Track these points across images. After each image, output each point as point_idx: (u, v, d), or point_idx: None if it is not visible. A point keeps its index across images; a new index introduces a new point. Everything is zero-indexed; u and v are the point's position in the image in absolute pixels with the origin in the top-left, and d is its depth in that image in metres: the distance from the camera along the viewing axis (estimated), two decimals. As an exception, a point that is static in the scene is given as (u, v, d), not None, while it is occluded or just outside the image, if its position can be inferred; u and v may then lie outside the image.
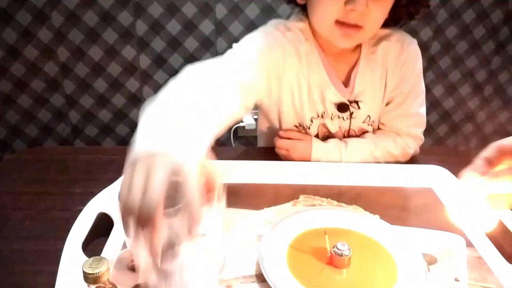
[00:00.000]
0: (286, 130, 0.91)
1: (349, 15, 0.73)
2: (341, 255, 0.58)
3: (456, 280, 0.60)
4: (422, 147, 0.91)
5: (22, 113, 1.66)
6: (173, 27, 1.56)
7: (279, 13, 1.55)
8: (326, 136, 0.92)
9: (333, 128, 0.91)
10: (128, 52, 1.59)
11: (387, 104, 0.90)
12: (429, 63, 1.74)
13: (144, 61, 1.61)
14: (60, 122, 1.70)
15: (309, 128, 0.91)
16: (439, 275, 0.60)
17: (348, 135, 0.92)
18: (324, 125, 0.91)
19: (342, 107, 0.87)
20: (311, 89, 0.86)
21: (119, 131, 1.73)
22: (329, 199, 0.77)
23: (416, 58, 0.87)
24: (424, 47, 1.68)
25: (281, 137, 0.90)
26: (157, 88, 1.65)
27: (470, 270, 0.62)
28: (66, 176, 0.84)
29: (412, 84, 0.87)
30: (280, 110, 0.90)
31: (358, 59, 0.86)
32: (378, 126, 0.93)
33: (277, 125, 0.93)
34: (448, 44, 1.70)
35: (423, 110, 0.90)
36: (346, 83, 0.87)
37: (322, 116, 0.89)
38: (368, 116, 0.90)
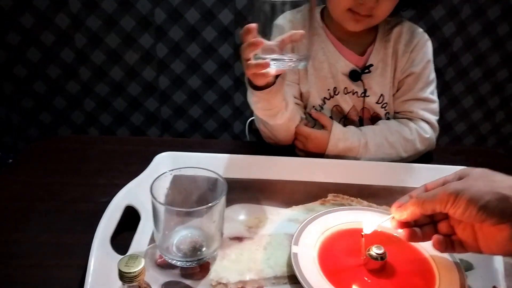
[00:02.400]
0: (316, 111, 0.92)
1: (360, 7, 0.80)
2: (377, 258, 0.57)
3: (495, 287, 0.58)
4: (454, 148, 0.88)
5: (37, 100, 1.65)
6: (192, 16, 1.53)
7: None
8: (342, 122, 0.93)
9: (346, 107, 0.93)
10: (146, 40, 1.56)
11: (398, 90, 0.92)
12: (451, 60, 1.70)
13: (161, 50, 1.59)
14: (74, 109, 1.68)
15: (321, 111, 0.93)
16: (476, 282, 0.59)
17: (362, 115, 0.94)
18: (337, 107, 0.93)
19: (354, 75, 0.90)
20: (320, 65, 0.91)
21: (134, 120, 1.72)
22: (358, 198, 0.75)
23: (426, 44, 0.92)
24: (446, 43, 1.66)
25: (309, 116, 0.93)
26: (173, 77, 1.64)
27: (508, 277, 0.60)
28: (88, 167, 0.82)
29: (422, 68, 0.90)
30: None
31: (375, 38, 0.92)
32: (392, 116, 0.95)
33: None
34: (471, 41, 1.67)
35: (435, 97, 0.92)
36: (362, 55, 0.92)
37: (335, 94, 0.92)
38: (382, 95, 0.92)
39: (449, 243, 0.55)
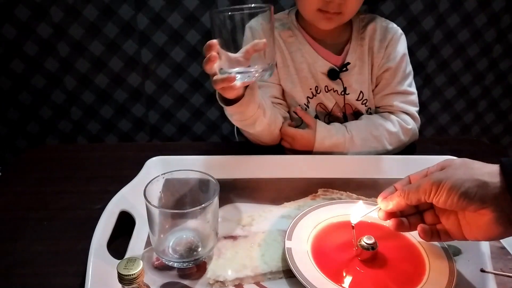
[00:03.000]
0: (301, 110, 0.94)
1: (328, 5, 0.83)
2: (368, 248, 0.58)
3: (482, 270, 0.60)
4: (438, 138, 0.91)
5: (23, 110, 1.64)
6: (175, 20, 1.54)
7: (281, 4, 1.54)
8: (327, 119, 0.96)
9: (329, 104, 0.95)
10: (130, 46, 1.56)
11: (377, 86, 0.95)
12: (431, 53, 1.73)
13: (146, 55, 1.59)
14: (61, 119, 1.67)
15: (307, 110, 0.95)
16: (465, 266, 0.61)
17: (345, 111, 0.96)
18: (321, 104, 0.95)
19: (332, 74, 0.92)
20: (300, 66, 0.93)
21: (122, 127, 1.71)
22: (348, 192, 0.76)
23: (400, 39, 0.95)
24: (426, 36, 1.69)
25: (295, 113, 0.94)
26: (159, 82, 1.64)
27: (495, 260, 0.62)
28: (80, 174, 0.83)
29: (398, 62, 0.93)
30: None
31: (350, 37, 0.94)
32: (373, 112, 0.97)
33: None
34: (451, 33, 1.70)
35: (413, 89, 0.95)
36: (339, 54, 0.94)
37: (317, 92, 0.94)
38: (361, 92, 0.94)
39: (435, 232, 0.57)
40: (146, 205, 0.56)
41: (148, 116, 1.71)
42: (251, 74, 0.66)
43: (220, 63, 0.65)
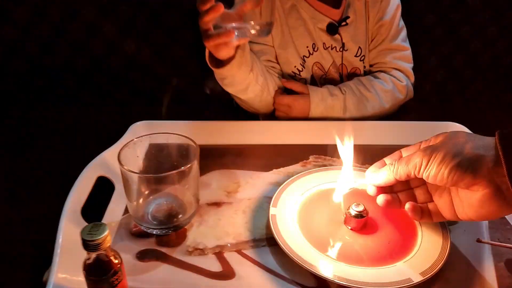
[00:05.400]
0: (287, 80, 0.89)
1: None
2: (357, 216, 0.55)
3: (479, 240, 0.57)
4: (439, 105, 0.86)
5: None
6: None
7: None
8: (323, 80, 0.93)
9: (326, 64, 0.91)
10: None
11: (372, 41, 0.92)
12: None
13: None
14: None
15: (302, 71, 0.91)
16: (460, 236, 0.57)
17: (342, 71, 0.92)
18: (317, 64, 0.91)
19: (331, 29, 0.88)
20: (295, 23, 0.88)
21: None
22: (340, 159, 0.73)
23: None
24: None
25: (284, 86, 0.89)
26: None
27: (493, 230, 0.59)
28: (58, 140, 0.80)
29: (392, 16, 0.90)
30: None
31: None
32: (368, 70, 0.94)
33: None
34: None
35: (407, 44, 0.93)
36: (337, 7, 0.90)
37: (314, 50, 0.89)
38: (359, 48, 0.90)
39: (426, 211, 0.54)
40: (121, 169, 0.53)
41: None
42: (247, 31, 0.62)
43: None
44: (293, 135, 0.77)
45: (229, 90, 0.79)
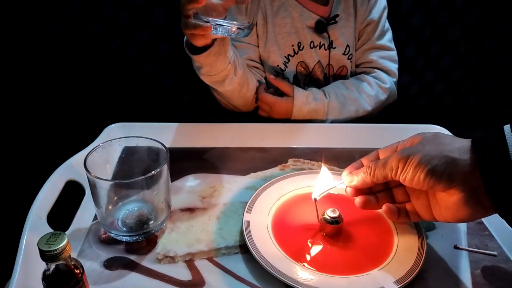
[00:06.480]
0: (275, 78, 0.87)
1: None
2: (332, 222, 0.54)
3: (456, 247, 0.55)
4: (420, 108, 0.85)
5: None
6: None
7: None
8: (307, 80, 0.91)
9: (311, 63, 0.89)
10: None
11: (358, 40, 0.92)
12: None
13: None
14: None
15: (285, 70, 0.90)
16: (437, 242, 0.56)
17: (328, 72, 0.91)
18: (302, 63, 0.89)
19: (319, 27, 0.87)
20: (282, 21, 0.87)
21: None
22: (319, 162, 0.71)
23: None
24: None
25: (269, 81, 0.88)
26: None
27: (470, 236, 0.58)
28: (28, 141, 0.78)
29: (379, 16, 0.90)
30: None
31: None
32: (354, 70, 0.94)
33: None
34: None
35: (392, 45, 0.93)
36: (325, 5, 0.89)
37: (299, 49, 0.88)
38: (347, 46, 0.89)
39: (403, 211, 0.53)
40: (87, 175, 0.51)
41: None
42: (228, 29, 0.60)
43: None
44: (272, 138, 0.76)
45: (206, 80, 0.77)
